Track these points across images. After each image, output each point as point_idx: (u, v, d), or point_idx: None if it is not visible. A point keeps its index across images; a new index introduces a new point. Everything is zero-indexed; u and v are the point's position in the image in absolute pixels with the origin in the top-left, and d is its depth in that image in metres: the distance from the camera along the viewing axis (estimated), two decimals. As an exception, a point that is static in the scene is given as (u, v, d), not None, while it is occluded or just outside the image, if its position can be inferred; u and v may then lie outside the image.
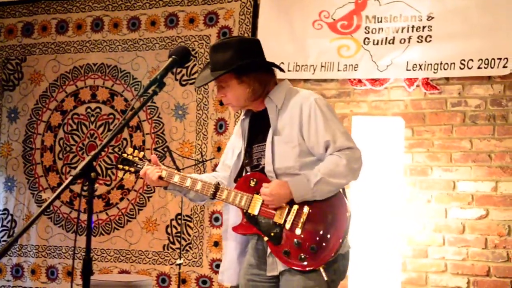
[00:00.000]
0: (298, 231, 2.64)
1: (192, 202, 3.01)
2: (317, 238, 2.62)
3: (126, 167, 2.90)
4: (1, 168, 5.78)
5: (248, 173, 2.82)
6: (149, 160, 2.90)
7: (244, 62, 2.71)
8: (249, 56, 2.75)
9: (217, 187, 2.77)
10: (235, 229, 2.80)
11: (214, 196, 2.78)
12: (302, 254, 2.63)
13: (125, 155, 2.91)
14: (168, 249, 5.24)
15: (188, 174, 2.86)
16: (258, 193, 2.72)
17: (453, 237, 4.51)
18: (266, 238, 2.70)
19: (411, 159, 4.65)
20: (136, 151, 2.92)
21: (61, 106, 5.68)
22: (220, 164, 3.04)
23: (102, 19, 5.63)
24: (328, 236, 2.62)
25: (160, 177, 2.83)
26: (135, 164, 2.89)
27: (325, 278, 2.61)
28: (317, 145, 2.68)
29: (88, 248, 2.08)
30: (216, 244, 5.09)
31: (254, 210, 2.72)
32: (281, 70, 2.90)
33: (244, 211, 2.74)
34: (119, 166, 2.91)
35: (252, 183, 2.75)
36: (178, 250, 5.09)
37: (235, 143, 2.96)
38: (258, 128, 2.84)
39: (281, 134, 2.73)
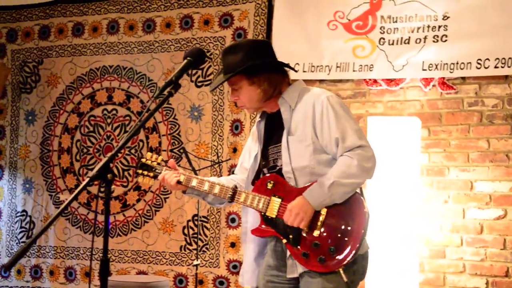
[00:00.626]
0: (316, 233, 2.64)
1: (211, 205, 3.03)
2: (336, 240, 2.62)
3: (145, 172, 2.91)
4: (19, 170, 5.83)
5: (265, 175, 2.82)
6: (167, 164, 2.91)
7: (254, 63, 2.72)
8: (259, 57, 2.76)
9: (234, 190, 2.78)
10: (253, 231, 2.80)
11: (232, 199, 2.78)
12: (321, 256, 2.62)
13: (143, 160, 2.92)
14: (185, 250, 5.25)
15: (206, 178, 2.87)
16: (275, 195, 2.72)
17: (471, 237, 4.48)
18: (284, 241, 2.70)
19: (428, 159, 4.62)
20: (154, 155, 2.93)
21: (78, 108, 5.72)
22: (238, 167, 3.05)
23: (118, 21, 5.66)
24: (347, 237, 2.62)
25: (179, 182, 2.84)
26: (153, 169, 2.90)
27: (345, 280, 2.60)
28: (330, 143, 2.68)
29: (106, 249, 2.10)
30: (233, 245, 5.10)
31: (272, 213, 2.72)
32: (293, 70, 2.90)
33: (262, 213, 2.74)
34: (138, 171, 2.92)
35: (270, 185, 2.75)
36: (195, 251, 5.10)
37: (251, 145, 2.97)
38: (273, 129, 2.85)
39: (295, 133, 2.74)
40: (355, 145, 2.65)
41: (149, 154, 2.94)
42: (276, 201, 2.72)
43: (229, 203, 2.83)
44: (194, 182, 2.82)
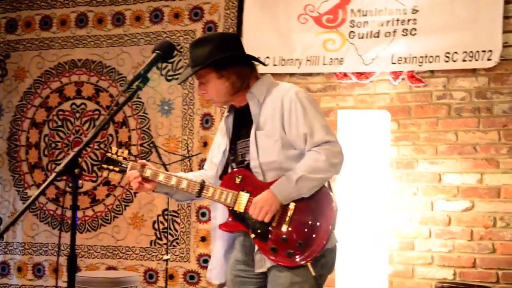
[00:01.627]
0: (284, 228, 2.63)
1: (179, 202, 3.00)
2: (304, 234, 2.62)
3: (111, 167, 2.86)
4: (-14, 166, 5.74)
5: (233, 170, 2.80)
6: (135, 157, 2.88)
7: (222, 56, 2.70)
8: (228, 50, 2.73)
9: (202, 185, 2.75)
10: (221, 226, 2.78)
11: (199, 194, 2.75)
12: (289, 250, 2.62)
13: (109, 154, 2.87)
14: (155, 245, 5.23)
15: (173, 173, 2.84)
16: (243, 190, 2.71)
17: (439, 229, 4.53)
18: (252, 235, 2.69)
19: (397, 152, 4.66)
20: (120, 150, 2.89)
21: (46, 102, 5.65)
22: (207, 162, 3.02)
23: (87, 14, 5.59)
24: (315, 231, 2.61)
25: (144, 179, 2.79)
26: (119, 164, 2.85)
27: (313, 274, 2.60)
28: (298, 138, 2.67)
29: (73, 245, 2.07)
30: (204, 239, 5.09)
31: (240, 207, 2.70)
32: (262, 63, 2.89)
33: (230, 208, 2.73)
34: (103, 165, 2.87)
35: (238, 180, 2.73)
36: (165, 246, 5.08)
37: (220, 140, 2.94)
38: (242, 123, 2.83)
39: (264, 128, 2.72)
40: (322, 141, 2.64)
41: (115, 148, 2.89)
42: (244, 196, 2.70)
43: (197, 198, 2.81)
44: (161, 177, 2.78)
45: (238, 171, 2.77)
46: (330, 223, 2.62)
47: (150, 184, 2.81)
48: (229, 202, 2.72)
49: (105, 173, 2.89)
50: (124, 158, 2.86)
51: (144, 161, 2.86)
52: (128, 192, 5.33)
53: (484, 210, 4.47)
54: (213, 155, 2.98)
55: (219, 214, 2.85)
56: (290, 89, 2.74)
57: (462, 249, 4.48)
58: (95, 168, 5.45)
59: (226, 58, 2.71)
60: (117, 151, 2.87)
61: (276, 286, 2.66)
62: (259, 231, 2.67)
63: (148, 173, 2.79)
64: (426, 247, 4.55)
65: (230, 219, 2.75)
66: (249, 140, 2.75)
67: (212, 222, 2.91)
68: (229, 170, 2.84)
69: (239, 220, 2.72)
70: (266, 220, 2.63)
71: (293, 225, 2.63)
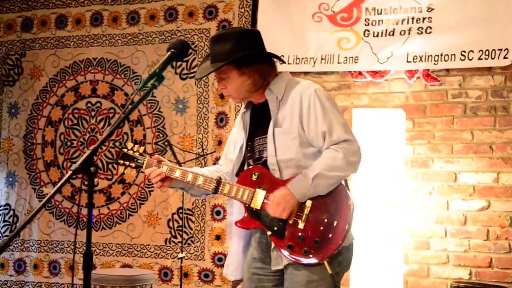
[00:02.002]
0: (301, 225, 2.63)
1: (195, 197, 3.00)
2: (321, 232, 2.61)
3: (127, 163, 2.87)
4: (3, 164, 5.79)
5: (250, 167, 2.80)
6: (151, 155, 2.89)
7: (244, 53, 2.69)
8: (249, 47, 2.72)
9: (218, 181, 2.75)
10: (237, 223, 2.78)
11: (216, 190, 2.75)
12: (306, 248, 2.61)
13: (125, 150, 2.88)
14: (170, 243, 5.24)
15: (190, 169, 2.85)
16: (260, 187, 2.71)
17: (455, 228, 4.51)
18: (269, 233, 2.68)
19: (412, 151, 4.64)
20: (136, 145, 2.90)
21: (62, 101, 5.68)
22: (222, 158, 3.02)
23: (101, 13, 5.62)
24: (331, 229, 2.61)
25: (165, 178, 2.81)
26: (135, 159, 2.86)
27: (329, 272, 2.60)
28: (316, 136, 2.66)
29: (89, 243, 2.08)
30: (218, 237, 5.10)
31: (257, 204, 2.70)
32: (282, 61, 2.88)
33: (247, 205, 2.73)
34: (119, 161, 2.88)
35: (254, 177, 2.73)
36: (180, 244, 5.09)
37: (236, 136, 2.94)
38: (260, 120, 2.82)
39: (282, 125, 2.71)
40: (341, 139, 2.64)
41: (131, 144, 2.91)
42: (260, 193, 2.70)
43: (213, 194, 2.82)
44: (177, 173, 2.79)
45: (254, 168, 2.76)
46: (347, 222, 2.61)
47: (166, 180, 2.83)
48: (245, 199, 2.72)
49: (121, 169, 2.91)
50: (140, 154, 2.87)
51: (159, 156, 2.87)
52: (143, 190, 5.35)
53: (500, 210, 4.44)
54: (228, 151, 2.97)
55: (235, 211, 2.85)
56: (309, 87, 2.73)
57: (478, 249, 4.46)
58: (110, 166, 5.47)
59: (247, 55, 2.70)
60: (133, 147, 2.89)
61: (293, 284, 2.65)
62: (275, 228, 2.67)
63: (164, 168, 2.80)
64: (442, 247, 4.52)
65: (246, 216, 2.75)
66: (266, 137, 2.74)
67: (228, 219, 2.91)
68: (246, 167, 2.83)
69: (255, 217, 2.72)
70: (284, 217, 2.63)
71: (309, 223, 2.63)
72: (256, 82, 2.73)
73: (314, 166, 2.62)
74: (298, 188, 2.61)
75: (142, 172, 2.90)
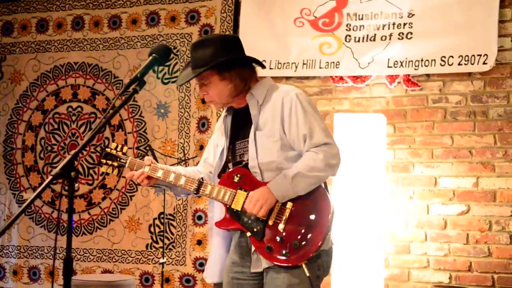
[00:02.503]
0: (280, 227, 2.64)
1: (177, 196, 3.01)
2: (300, 234, 2.63)
3: (110, 162, 2.89)
4: (-18, 169, 5.73)
5: (232, 169, 2.81)
6: (138, 147, 2.90)
7: (225, 58, 2.71)
8: (230, 52, 2.75)
9: (200, 182, 2.77)
10: (218, 224, 2.79)
11: (197, 191, 2.77)
12: (284, 250, 2.63)
13: (108, 149, 2.90)
14: (151, 248, 5.22)
15: (173, 168, 2.87)
16: (241, 188, 2.72)
17: (435, 233, 4.54)
18: (249, 234, 2.70)
19: (393, 155, 4.67)
20: (120, 145, 2.91)
21: (42, 105, 5.64)
22: (201, 162, 3.02)
23: (83, 17, 5.59)
24: (311, 232, 2.63)
25: (148, 177, 2.83)
26: (118, 159, 2.88)
27: (307, 274, 2.61)
28: (297, 139, 2.69)
29: (69, 248, 2.07)
30: (200, 242, 5.09)
31: (238, 206, 2.71)
32: (262, 66, 2.89)
33: (228, 206, 2.74)
34: (102, 160, 2.89)
35: (236, 179, 2.75)
36: (161, 249, 5.08)
37: (217, 141, 2.95)
38: (241, 125, 2.84)
39: (263, 129, 2.74)
40: (321, 142, 2.67)
41: (114, 144, 2.92)
42: (242, 194, 2.71)
43: (194, 194, 2.82)
44: (159, 173, 2.81)
45: (236, 170, 2.78)
46: (326, 225, 2.63)
47: (149, 179, 2.85)
48: (226, 200, 2.73)
49: (103, 169, 2.91)
50: (124, 154, 2.89)
51: (150, 158, 2.88)
52: (124, 195, 5.33)
53: (479, 214, 4.47)
54: (208, 155, 2.99)
55: (217, 213, 2.86)
56: (290, 91, 2.76)
57: (458, 253, 4.49)
58: (91, 171, 5.44)
59: (228, 60, 2.73)
60: (116, 147, 2.90)
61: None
62: (255, 229, 2.68)
63: (146, 169, 2.81)
64: (422, 251, 4.55)
65: (226, 217, 2.76)
66: (247, 141, 2.76)
67: (209, 222, 2.92)
68: (227, 170, 2.84)
69: (235, 218, 2.73)
70: (261, 214, 2.65)
71: (289, 225, 2.64)
72: (237, 86, 2.76)
73: (294, 166, 2.65)
74: (277, 187, 2.64)
75: (123, 177, 2.90)
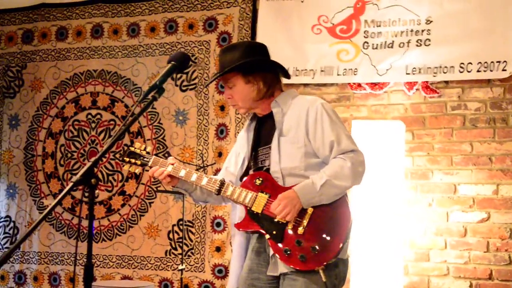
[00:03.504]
0: (300, 231, 2.66)
1: (196, 202, 3.03)
2: (319, 239, 2.64)
3: (133, 160, 2.91)
4: (3, 175, 5.79)
5: (254, 172, 2.84)
6: (156, 154, 2.93)
7: (249, 60, 2.77)
8: (256, 55, 2.82)
9: (222, 183, 2.79)
10: (237, 225, 2.81)
11: (219, 192, 2.79)
12: (302, 254, 2.64)
13: (132, 148, 2.92)
14: (170, 255, 5.24)
15: (194, 170, 2.89)
16: (263, 191, 2.74)
17: (455, 240, 4.51)
18: (267, 236, 2.71)
19: (412, 162, 4.65)
20: (143, 145, 2.94)
21: (62, 112, 5.69)
22: (222, 171, 3.05)
23: (102, 25, 5.64)
24: (330, 238, 2.64)
25: (169, 175, 2.84)
26: (141, 157, 2.90)
27: (323, 279, 2.61)
28: (323, 146, 2.71)
29: (90, 254, 2.09)
30: (218, 249, 5.09)
31: (258, 208, 2.73)
32: (287, 76, 2.95)
33: (248, 208, 2.76)
34: (125, 159, 2.91)
35: (258, 182, 2.77)
36: (180, 256, 5.09)
37: (239, 150, 2.99)
38: (264, 132, 2.88)
39: (287, 135, 2.77)
40: (349, 149, 2.70)
41: (138, 144, 2.95)
42: (263, 197, 2.74)
43: (216, 195, 2.82)
44: (182, 173, 2.82)
45: (258, 174, 2.80)
46: (346, 232, 2.64)
47: (172, 179, 2.86)
48: (247, 201, 2.75)
49: (126, 167, 2.93)
50: (147, 153, 2.91)
51: (174, 157, 2.91)
52: (143, 202, 5.36)
53: (500, 221, 4.44)
54: (229, 164, 3.02)
55: (238, 217, 2.90)
56: (316, 100, 2.81)
57: (478, 261, 4.45)
58: (110, 178, 5.48)
59: (252, 62, 2.78)
60: (140, 146, 2.93)
61: None
62: (274, 232, 2.69)
63: (169, 168, 2.83)
64: (442, 258, 4.52)
65: (246, 219, 2.77)
66: (270, 147, 2.79)
67: (233, 228, 2.99)
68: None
69: (255, 220, 2.75)
70: (288, 219, 2.66)
71: (309, 229, 2.66)
72: (261, 90, 2.80)
73: (322, 173, 2.67)
74: (304, 192, 2.65)
75: (142, 184, 2.91)
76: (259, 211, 2.73)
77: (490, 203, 4.47)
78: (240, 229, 2.81)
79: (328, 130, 2.71)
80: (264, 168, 2.80)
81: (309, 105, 2.78)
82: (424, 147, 4.65)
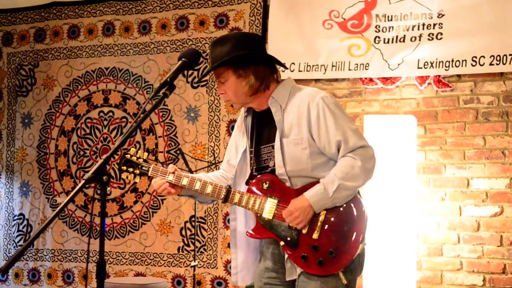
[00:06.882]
0: (315, 236, 2.58)
1: (202, 204, 2.95)
2: (336, 242, 2.57)
3: (131, 169, 2.78)
4: (16, 173, 5.83)
5: (260, 176, 2.73)
6: (162, 163, 2.86)
7: (240, 53, 2.62)
8: (247, 48, 2.65)
9: (228, 190, 2.70)
10: (250, 234, 2.72)
11: (226, 200, 2.70)
12: (320, 259, 2.58)
13: (128, 156, 2.80)
14: (182, 251, 5.25)
15: (197, 175, 2.79)
16: (271, 196, 2.66)
17: (468, 234, 4.49)
18: (282, 243, 2.64)
19: (424, 157, 4.63)
20: (140, 151, 2.82)
21: (74, 110, 5.72)
22: (224, 164, 2.95)
23: (113, 23, 5.66)
24: (347, 240, 2.57)
25: (171, 185, 2.75)
26: (139, 166, 2.78)
27: (344, 282, 2.57)
28: (329, 145, 2.62)
29: (102, 251, 2.09)
30: (230, 245, 5.09)
31: (269, 214, 2.65)
32: (284, 67, 2.81)
33: (258, 215, 2.68)
34: (122, 167, 2.80)
35: (265, 186, 2.68)
36: (192, 252, 5.10)
37: (237, 141, 2.87)
38: (264, 128, 2.76)
39: (289, 135, 2.66)
40: (357, 146, 2.60)
41: (133, 149, 2.82)
42: (272, 202, 2.65)
43: (222, 203, 2.76)
44: (184, 181, 2.73)
45: (265, 177, 2.70)
46: (362, 231, 2.58)
47: (174, 188, 2.77)
48: (257, 208, 2.67)
49: (123, 175, 2.84)
50: (145, 161, 2.79)
51: (174, 166, 2.80)
52: (155, 199, 5.37)
53: (513, 215, 4.42)
54: (230, 156, 2.90)
55: (240, 217, 2.80)
56: (316, 95, 2.67)
57: (492, 255, 4.43)
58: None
59: (243, 56, 2.63)
60: (135, 153, 2.80)
61: None
62: (288, 238, 2.62)
63: (170, 177, 2.74)
64: (455, 253, 4.50)
65: (258, 226, 2.69)
66: (272, 146, 2.69)
67: (231, 224, 2.84)
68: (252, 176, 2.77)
69: (267, 227, 2.67)
70: (300, 227, 2.60)
71: (324, 233, 2.59)
72: (253, 84, 2.66)
73: (333, 175, 2.58)
74: (317, 200, 2.57)
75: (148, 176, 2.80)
76: (270, 217, 2.65)
77: (504, 197, 4.45)
78: (254, 237, 2.72)
79: (332, 128, 2.60)
80: (269, 169, 2.71)
81: (310, 100, 2.64)
82: (437, 142, 4.63)
